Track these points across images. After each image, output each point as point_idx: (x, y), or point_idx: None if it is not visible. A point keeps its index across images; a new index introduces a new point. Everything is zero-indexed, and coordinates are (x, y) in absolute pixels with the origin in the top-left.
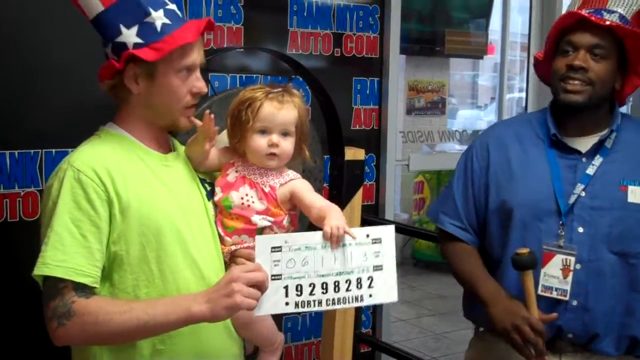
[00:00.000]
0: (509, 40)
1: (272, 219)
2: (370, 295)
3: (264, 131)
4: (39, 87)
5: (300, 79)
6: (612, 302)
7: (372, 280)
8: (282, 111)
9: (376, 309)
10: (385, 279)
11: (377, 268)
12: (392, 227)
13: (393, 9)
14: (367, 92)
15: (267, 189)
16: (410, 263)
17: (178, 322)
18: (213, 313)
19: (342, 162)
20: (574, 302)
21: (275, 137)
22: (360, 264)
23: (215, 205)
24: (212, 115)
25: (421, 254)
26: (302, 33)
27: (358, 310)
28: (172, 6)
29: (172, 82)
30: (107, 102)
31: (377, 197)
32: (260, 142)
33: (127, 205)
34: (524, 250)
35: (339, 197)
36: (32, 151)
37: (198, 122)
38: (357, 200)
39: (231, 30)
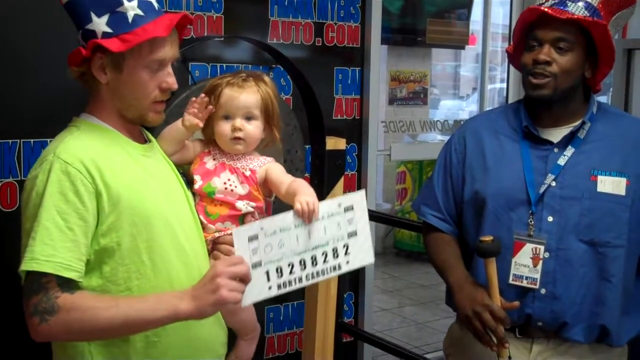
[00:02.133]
0: (491, 30)
1: (254, 204)
2: (348, 262)
3: (227, 116)
4: (16, 77)
5: (282, 69)
6: (581, 290)
7: (347, 247)
8: (243, 95)
9: (358, 299)
10: (361, 243)
11: (352, 234)
12: (362, 192)
13: None
14: (349, 81)
15: (247, 173)
16: (392, 253)
17: (164, 320)
18: (200, 310)
19: (324, 152)
20: (543, 291)
21: (238, 122)
22: (335, 234)
23: (194, 194)
24: (206, 98)
25: (403, 244)
26: (283, 22)
27: (340, 299)
28: None
29: (139, 76)
30: (85, 92)
31: (358, 187)
32: (224, 127)
33: (118, 196)
34: (488, 238)
35: (321, 187)
36: (10, 141)
37: (193, 120)
38: (339, 190)
39: (212, 19)
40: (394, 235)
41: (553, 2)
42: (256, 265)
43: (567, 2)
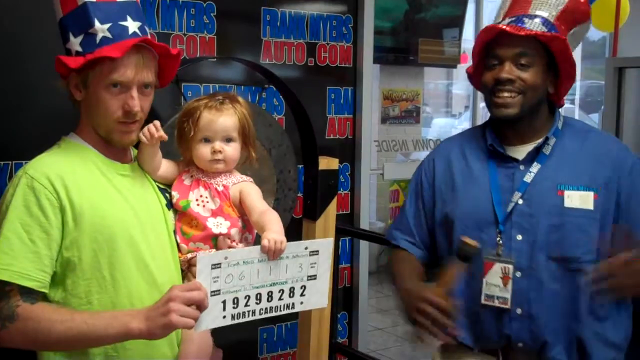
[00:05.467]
0: None
1: (228, 223)
2: (302, 303)
3: (206, 139)
4: (8, 99)
5: (274, 89)
6: (556, 308)
7: (305, 288)
8: (221, 118)
9: (352, 318)
10: (318, 287)
11: (311, 277)
12: (330, 240)
13: (366, 18)
14: (341, 101)
15: (220, 188)
16: (386, 271)
17: (117, 337)
18: (150, 331)
19: (316, 171)
20: (518, 311)
21: (217, 145)
22: (295, 275)
23: (176, 211)
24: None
25: None
26: (275, 43)
27: (333, 319)
28: (130, 23)
29: (100, 95)
30: (75, 113)
31: (352, 206)
32: (203, 150)
33: (81, 213)
34: (473, 243)
35: (314, 206)
36: (1, 163)
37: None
38: (332, 209)
39: (204, 40)
40: (388, 254)
41: (510, 20)
42: (215, 293)
43: (523, 19)
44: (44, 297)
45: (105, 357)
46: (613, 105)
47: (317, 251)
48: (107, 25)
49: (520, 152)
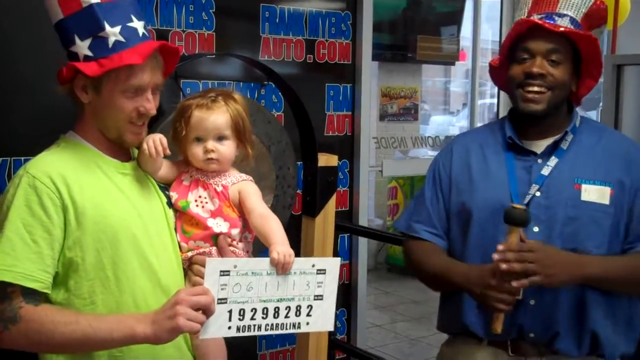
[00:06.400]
0: (480, 46)
1: (227, 224)
2: (307, 323)
3: (199, 138)
4: (6, 95)
5: (273, 86)
6: (569, 300)
7: (311, 308)
8: (212, 116)
9: (351, 315)
10: (325, 308)
11: (318, 297)
12: (338, 260)
13: (365, 15)
14: (340, 98)
15: (219, 189)
16: (384, 268)
17: (122, 341)
18: (156, 335)
19: (316, 168)
20: (532, 302)
21: (210, 144)
22: (302, 292)
23: (176, 210)
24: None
25: (395, 260)
26: (274, 39)
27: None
28: (137, 24)
29: (116, 100)
30: (75, 111)
31: (350, 203)
32: (196, 149)
33: (83, 212)
34: (520, 206)
35: (313, 203)
36: (0, 159)
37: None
38: (331, 206)
39: (203, 36)
40: (386, 251)
41: (539, 16)
42: (222, 301)
43: (554, 16)
44: (46, 298)
45: (109, 358)
46: (611, 103)
47: (324, 270)
48: (117, 28)
49: (538, 146)
